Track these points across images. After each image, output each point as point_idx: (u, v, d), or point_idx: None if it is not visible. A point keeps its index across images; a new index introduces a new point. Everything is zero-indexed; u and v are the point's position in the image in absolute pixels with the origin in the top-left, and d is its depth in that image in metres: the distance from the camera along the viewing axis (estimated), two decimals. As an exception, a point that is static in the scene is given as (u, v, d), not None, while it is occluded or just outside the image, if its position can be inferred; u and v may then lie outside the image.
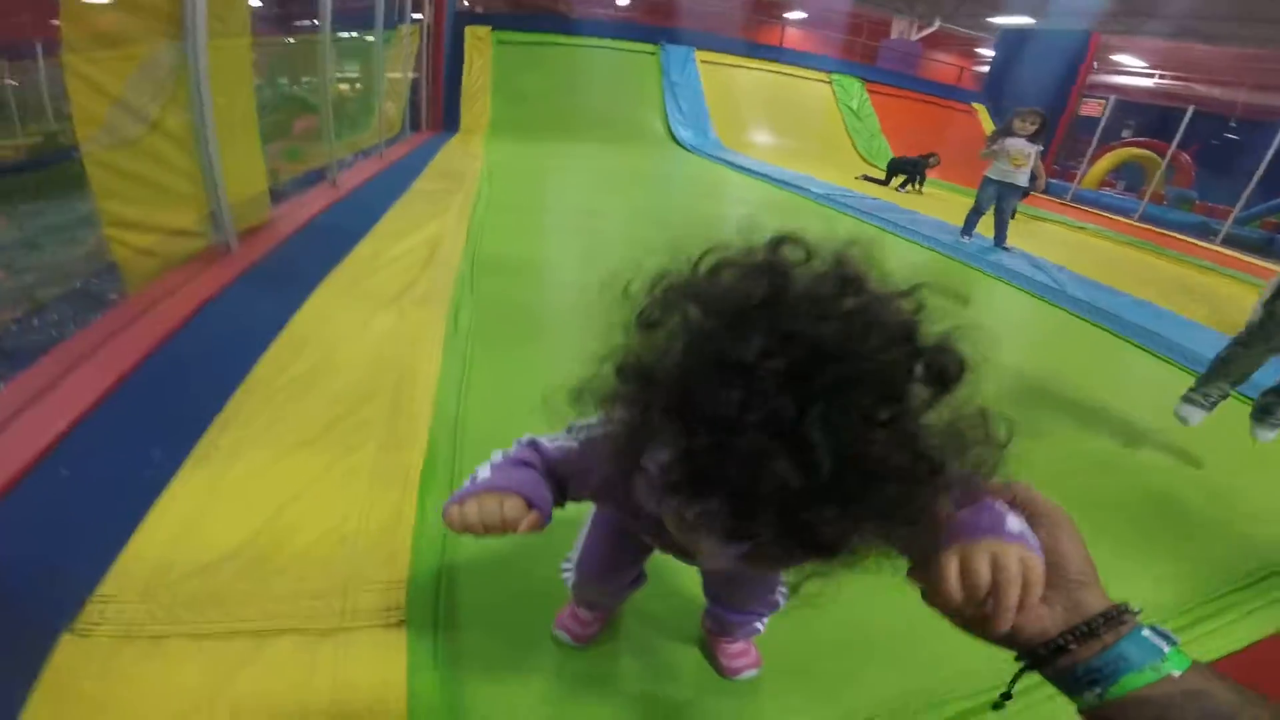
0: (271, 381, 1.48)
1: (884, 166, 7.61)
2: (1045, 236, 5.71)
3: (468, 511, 0.56)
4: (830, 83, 9.64)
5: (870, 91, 9.74)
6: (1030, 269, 3.83)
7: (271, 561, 0.98)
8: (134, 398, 1.38)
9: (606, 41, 8.82)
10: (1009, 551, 0.41)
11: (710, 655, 0.96)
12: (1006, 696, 0.46)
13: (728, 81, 9.22)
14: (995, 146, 4.24)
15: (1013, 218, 4.41)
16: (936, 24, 13.26)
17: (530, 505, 0.58)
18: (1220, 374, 1.87)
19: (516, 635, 0.96)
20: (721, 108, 8.89)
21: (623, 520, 0.70)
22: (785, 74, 9.60)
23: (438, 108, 7.68)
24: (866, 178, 7.51)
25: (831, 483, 0.35)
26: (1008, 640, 0.44)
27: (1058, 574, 0.44)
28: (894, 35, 13.95)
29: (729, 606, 0.90)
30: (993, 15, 12.26)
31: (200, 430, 1.26)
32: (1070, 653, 0.43)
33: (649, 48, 9.02)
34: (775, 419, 0.35)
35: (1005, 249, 4.30)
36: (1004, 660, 0.82)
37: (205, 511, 1.07)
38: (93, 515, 1.05)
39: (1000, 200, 4.28)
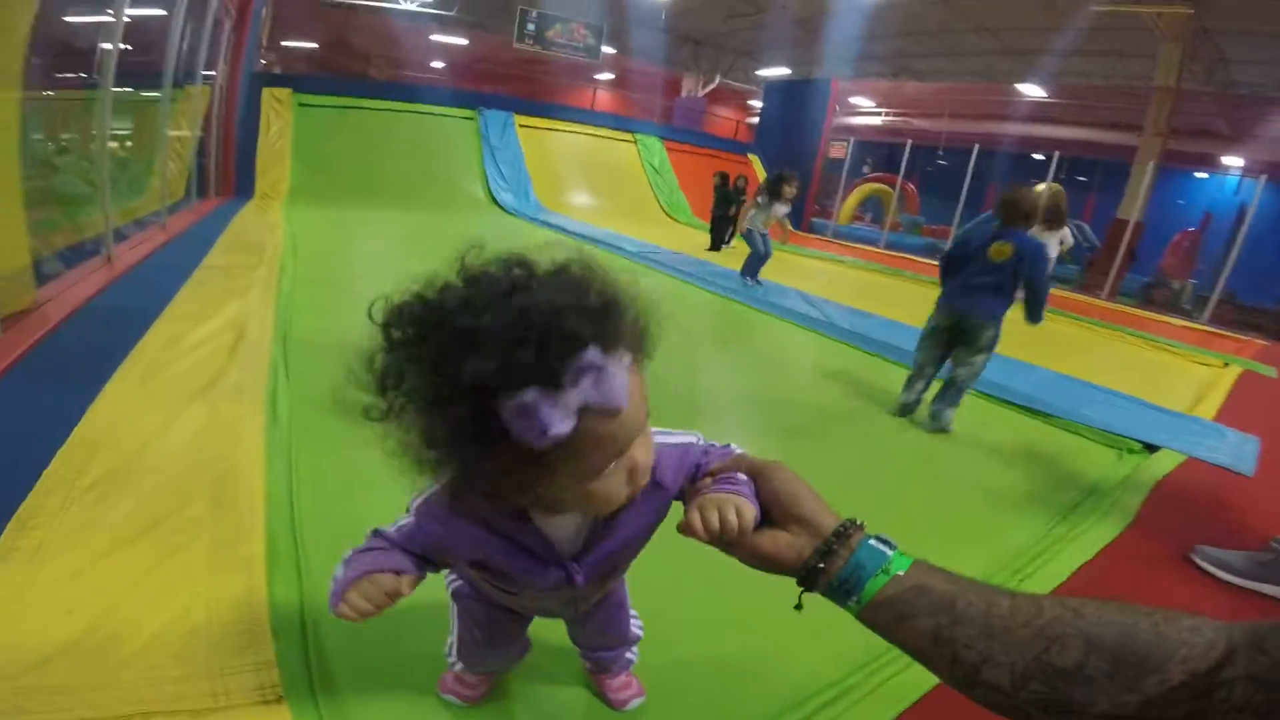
0: (71, 483, 1.39)
1: (691, 223, 8.02)
2: (812, 272, 6.78)
3: (353, 601, 0.64)
4: (635, 142, 10.51)
5: (667, 149, 10.75)
6: (805, 306, 4.56)
7: (113, 655, 0.96)
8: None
9: (421, 106, 8.82)
10: (728, 501, 0.59)
11: (599, 692, 1.05)
12: (799, 607, 0.60)
13: (546, 145, 9.64)
14: (764, 205, 5.09)
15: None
16: (717, 80, 15.08)
17: (397, 573, 0.66)
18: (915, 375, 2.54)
19: (402, 701, 0.99)
20: (541, 171, 9.25)
21: (479, 561, 0.71)
22: (597, 136, 10.30)
23: (228, 173, 7.11)
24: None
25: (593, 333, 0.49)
26: (778, 569, 0.58)
27: (796, 509, 0.58)
28: (684, 93, 15.59)
29: (596, 647, 0.99)
30: (758, 68, 14.30)
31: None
32: (824, 570, 0.56)
33: (467, 113, 9.16)
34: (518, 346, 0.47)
35: (758, 283, 5.13)
36: (848, 663, 1.10)
37: (21, 613, 1.02)
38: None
39: (766, 246, 5.14)
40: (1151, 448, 2.53)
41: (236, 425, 1.78)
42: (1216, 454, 2.55)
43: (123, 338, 2.29)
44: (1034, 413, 2.85)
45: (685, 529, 0.60)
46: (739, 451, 0.69)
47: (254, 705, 0.92)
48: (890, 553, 0.55)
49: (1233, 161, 11.62)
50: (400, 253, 5.15)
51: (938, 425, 2.42)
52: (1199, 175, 12.45)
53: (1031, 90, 11.73)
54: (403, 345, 0.53)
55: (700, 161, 10.79)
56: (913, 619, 0.52)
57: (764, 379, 3.15)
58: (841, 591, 0.55)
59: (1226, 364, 4.46)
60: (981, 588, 0.52)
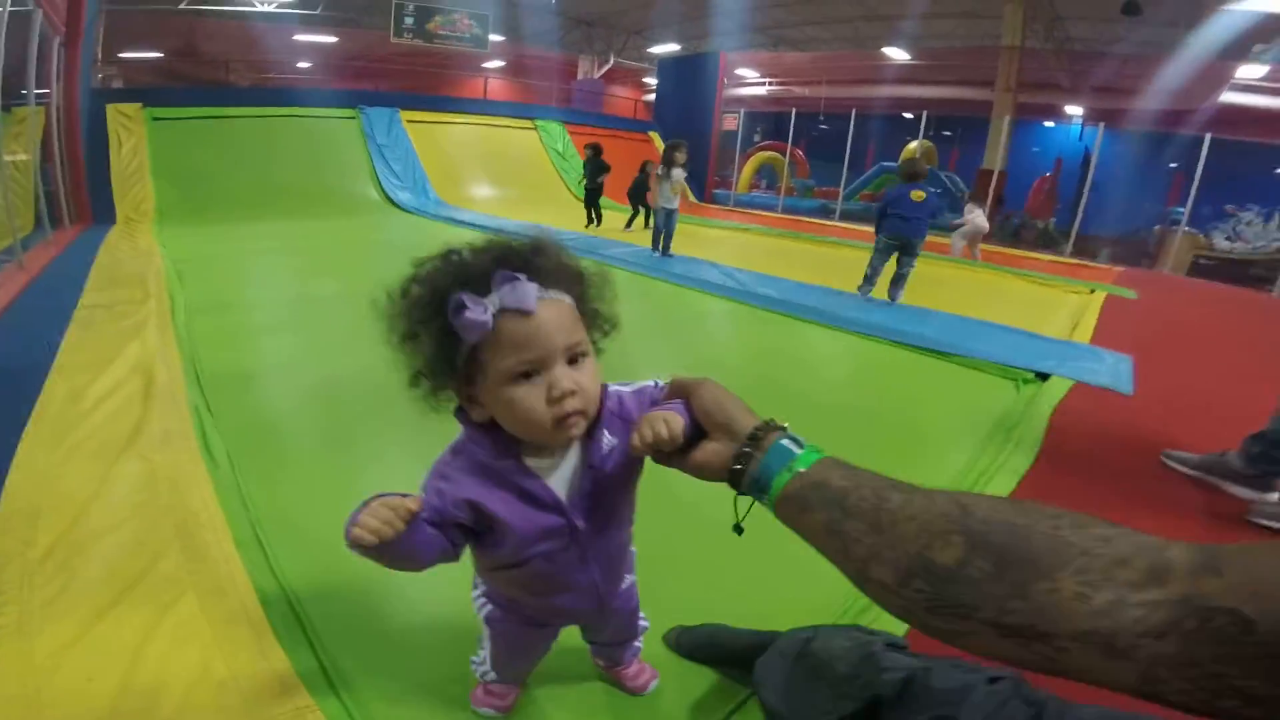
0: (23, 555, 1.30)
1: (604, 204, 7.61)
2: (719, 242, 6.99)
3: (364, 521, 0.62)
4: (535, 128, 10.29)
5: (570, 132, 10.61)
6: (721, 277, 4.73)
7: (158, 718, 0.95)
8: None
9: (293, 110, 8.20)
10: (657, 417, 0.65)
11: (616, 683, 1.09)
12: (738, 529, 0.64)
13: (439, 139, 9.26)
14: (664, 176, 5.45)
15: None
16: (612, 60, 14.99)
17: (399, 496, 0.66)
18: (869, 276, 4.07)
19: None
20: (436, 165, 8.88)
21: (484, 515, 0.72)
22: (493, 125, 9.99)
23: (81, 199, 6.39)
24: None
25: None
26: (711, 475, 0.62)
27: (720, 418, 0.62)
28: (580, 75, 15.39)
29: (608, 642, 1.04)
30: (650, 46, 14.37)
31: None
32: (743, 471, 0.58)
33: (347, 112, 8.63)
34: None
35: (670, 256, 5.48)
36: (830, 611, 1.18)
37: (40, 687, 0.99)
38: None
39: (668, 221, 5.46)
40: (1043, 376, 2.77)
41: (175, 473, 1.68)
42: (1098, 376, 2.81)
43: (16, 399, 2.06)
44: (937, 354, 3.13)
45: (631, 449, 0.67)
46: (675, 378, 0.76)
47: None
48: (798, 451, 0.56)
49: (1074, 111, 12.99)
50: (295, 265, 4.82)
51: (895, 300, 3.99)
52: (1048, 125, 13.83)
53: (897, 54, 12.51)
54: (411, 295, 0.67)
55: (605, 143, 10.67)
56: (810, 512, 0.52)
57: (691, 350, 3.30)
58: (757, 489, 0.57)
59: (1093, 290, 5.04)
60: (881, 483, 0.51)
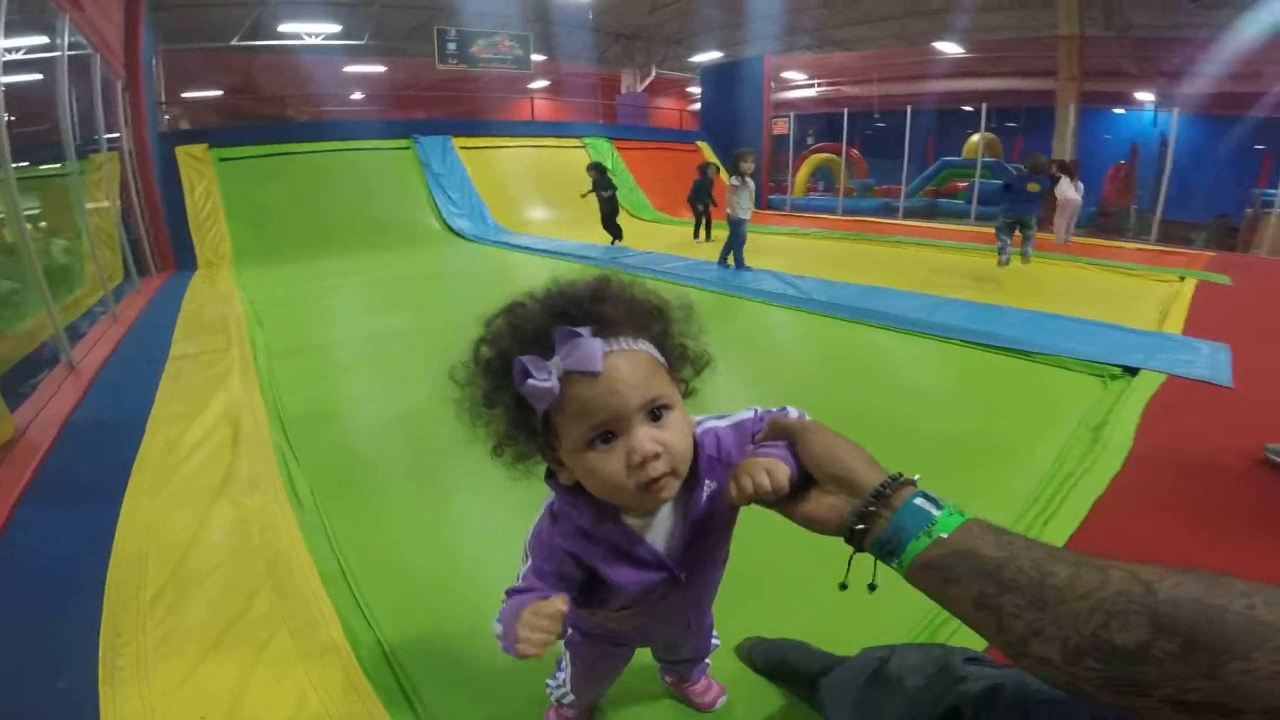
0: (135, 599, 1.42)
1: (657, 219, 7.60)
2: (779, 249, 6.79)
3: (526, 636, 0.59)
4: (584, 147, 10.38)
5: (618, 148, 10.65)
6: (780, 286, 4.60)
7: None
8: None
9: (351, 143, 8.48)
10: (758, 465, 0.59)
11: (685, 700, 1.10)
12: (844, 586, 0.59)
13: (492, 164, 9.44)
14: (739, 185, 5.37)
15: None
16: (654, 72, 15.04)
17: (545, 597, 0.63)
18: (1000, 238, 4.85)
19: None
20: (491, 191, 9.05)
21: (589, 572, 0.71)
22: (542, 146, 10.14)
23: (163, 244, 6.59)
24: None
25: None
26: (823, 530, 0.57)
27: (834, 469, 0.56)
28: (624, 89, 15.50)
29: (676, 660, 1.04)
30: (691, 55, 14.33)
31: (88, 656, 1.26)
32: (865, 531, 0.53)
33: (402, 142, 8.88)
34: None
35: (746, 268, 5.37)
36: (908, 627, 1.18)
37: None
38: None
39: (744, 231, 5.37)
40: (1132, 370, 2.62)
41: (265, 516, 1.77)
42: (1193, 368, 2.65)
43: (120, 450, 2.22)
44: (1016, 353, 2.97)
45: (727, 497, 0.62)
46: (777, 414, 0.70)
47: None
48: (936, 513, 0.52)
49: (1145, 97, 12.17)
50: (365, 301, 4.94)
51: (1028, 257, 4.81)
52: (1118, 111, 12.95)
53: (949, 48, 12.05)
54: (482, 357, 0.65)
55: (654, 156, 10.78)
56: (956, 584, 0.48)
57: (756, 363, 3.17)
58: (885, 552, 0.53)
59: (1182, 278, 4.71)
60: (1040, 554, 0.47)
